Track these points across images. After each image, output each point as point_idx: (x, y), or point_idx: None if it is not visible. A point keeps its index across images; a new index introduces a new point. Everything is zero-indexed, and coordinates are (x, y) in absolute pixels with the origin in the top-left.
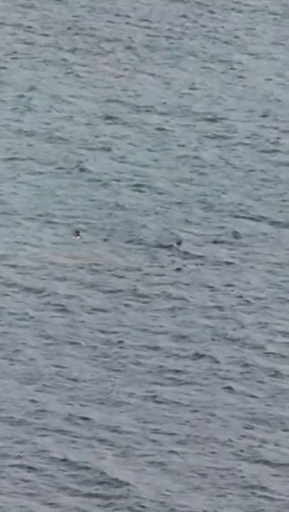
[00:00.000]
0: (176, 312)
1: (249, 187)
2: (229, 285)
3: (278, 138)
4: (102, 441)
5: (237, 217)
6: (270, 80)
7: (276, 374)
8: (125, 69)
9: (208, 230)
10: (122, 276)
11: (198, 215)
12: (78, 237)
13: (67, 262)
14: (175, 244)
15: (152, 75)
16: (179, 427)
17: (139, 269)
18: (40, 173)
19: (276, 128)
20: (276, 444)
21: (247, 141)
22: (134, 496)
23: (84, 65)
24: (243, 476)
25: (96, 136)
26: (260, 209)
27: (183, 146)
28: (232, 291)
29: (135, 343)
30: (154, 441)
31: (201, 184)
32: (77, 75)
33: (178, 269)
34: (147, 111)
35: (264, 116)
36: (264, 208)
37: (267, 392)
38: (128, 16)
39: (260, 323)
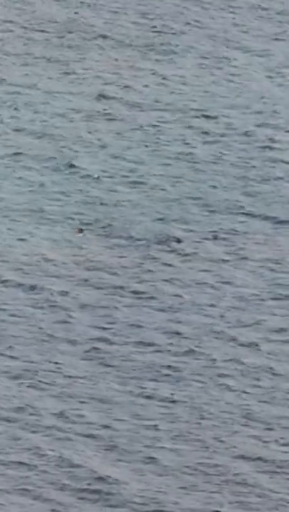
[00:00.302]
0: (170, 309)
1: (245, 184)
2: (224, 282)
3: (274, 134)
4: (94, 437)
5: (232, 213)
6: (265, 76)
7: (270, 372)
8: (121, 66)
9: (204, 226)
10: (116, 273)
11: (193, 211)
12: (81, 235)
13: (61, 259)
14: (174, 242)
15: (148, 71)
16: (173, 423)
17: (133, 266)
18: (35, 169)
19: (271, 125)
20: (270, 442)
21: (243, 137)
22: (127, 493)
23: (79, 62)
24: (236, 474)
25: (91, 133)
26: (256, 206)
27: (178, 142)
28: (226, 288)
29: (129, 339)
30: (147, 438)
31: (196, 181)
32: (73, 72)
33: (172, 266)
34: (143, 108)
35: (259, 113)
36: (259, 204)
37: (261, 389)
38: (125, 13)
39: (254, 320)
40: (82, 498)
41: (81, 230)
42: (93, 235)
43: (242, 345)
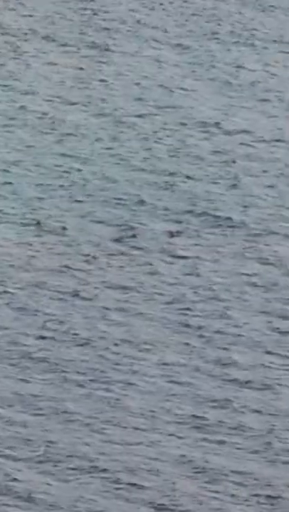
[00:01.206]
0: (105, 309)
1: (173, 182)
2: (162, 282)
3: (202, 132)
4: (22, 438)
5: (188, 210)
6: (192, 74)
7: (196, 371)
8: (54, 62)
9: (158, 222)
10: (53, 271)
11: (148, 207)
12: (39, 226)
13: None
14: (115, 241)
15: (79, 69)
16: (104, 425)
17: (70, 266)
18: None
19: (199, 123)
20: (198, 443)
21: (171, 135)
22: (56, 495)
23: (13, 59)
24: (166, 479)
25: (22, 129)
26: (210, 203)
27: (111, 141)
28: (163, 287)
29: (58, 336)
30: (77, 436)
31: (128, 178)
32: (5, 68)
33: (111, 266)
34: (76, 105)
35: (185, 110)
36: (214, 201)
37: (187, 389)
38: (61, 10)
39: (185, 321)
40: (9, 504)
41: (38, 223)
42: (31, 234)
43: (173, 345)
